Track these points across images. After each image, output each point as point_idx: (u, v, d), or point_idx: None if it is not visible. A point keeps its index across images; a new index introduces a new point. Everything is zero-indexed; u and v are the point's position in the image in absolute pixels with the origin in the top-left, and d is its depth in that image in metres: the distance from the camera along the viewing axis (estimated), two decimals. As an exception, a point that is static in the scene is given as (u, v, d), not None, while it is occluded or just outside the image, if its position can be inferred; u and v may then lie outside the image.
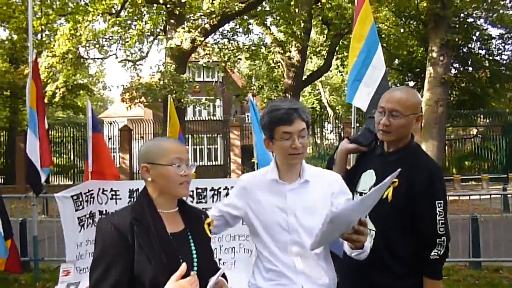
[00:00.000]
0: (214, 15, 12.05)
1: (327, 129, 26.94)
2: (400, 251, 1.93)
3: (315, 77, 20.77)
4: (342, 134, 17.27)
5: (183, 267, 1.42)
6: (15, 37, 16.33)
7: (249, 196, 1.89)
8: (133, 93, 12.28)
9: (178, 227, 1.60)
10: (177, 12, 12.26)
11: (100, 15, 13.19)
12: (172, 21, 12.90)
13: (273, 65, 19.82)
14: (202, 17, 12.86)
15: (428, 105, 12.33)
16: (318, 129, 25.31)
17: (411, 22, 18.95)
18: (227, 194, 4.37)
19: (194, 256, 1.56)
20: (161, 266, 1.43)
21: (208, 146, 26.10)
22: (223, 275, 1.71)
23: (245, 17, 14.54)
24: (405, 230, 1.93)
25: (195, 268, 1.54)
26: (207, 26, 12.49)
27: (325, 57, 18.67)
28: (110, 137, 18.95)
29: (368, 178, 2.06)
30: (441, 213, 1.87)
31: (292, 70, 17.18)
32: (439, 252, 1.86)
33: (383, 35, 19.14)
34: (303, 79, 19.06)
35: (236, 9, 11.73)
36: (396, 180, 1.86)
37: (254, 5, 13.04)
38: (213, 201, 4.49)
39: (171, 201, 1.61)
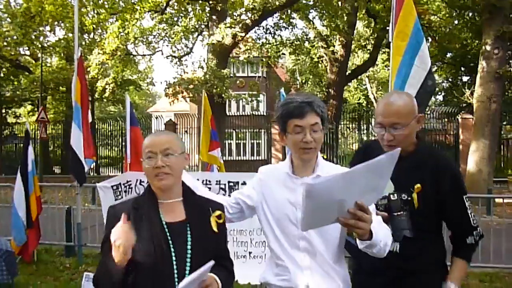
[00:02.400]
0: (255, 11, 12.08)
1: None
2: (430, 255, 1.92)
3: (360, 72, 20.28)
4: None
5: (123, 216, 1.44)
6: (70, 35, 17.32)
7: (264, 188, 1.88)
8: (176, 88, 12.63)
9: (178, 217, 1.63)
10: (219, 8, 12.43)
11: (147, 13, 13.66)
12: (214, 17, 13.10)
13: (316, 60, 19.58)
14: (244, 12, 12.92)
15: (480, 102, 11.60)
16: (365, 125, 24.70)
17: (465, 13, 17.88)
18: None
19: (189, 247, 1.59)
20: (147, 252, 1.50)
21: (251, 141, 26.26)
22: (230, 272, 1.74)
23: (288, 11, 14.45)
24: (435, 233, 1.93)
25: (188, 260, 1.57)
26: (248, 21, 12.55)
27: (371, 51, 18.14)
28: (155, 131, 19.65)
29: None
30: (470, 207, 1.90)
31: (335, 65, 16.88)
32: (475, 238, 1.91)
33: (435, 28, 18.27)
34: (347, 74, 18.67)
35: (277, 3, 11.68)
36: (419, 185, 1.84)
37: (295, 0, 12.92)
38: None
39: (167, 192, 1.64)
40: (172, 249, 1.56)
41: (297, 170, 1.83)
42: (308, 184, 1.35)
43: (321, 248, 1.74)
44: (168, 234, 1.58)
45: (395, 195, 1.86)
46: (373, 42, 17.86)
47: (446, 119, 18.31)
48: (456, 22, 18.60)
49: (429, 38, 19.44)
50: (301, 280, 1.75)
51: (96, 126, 21.32)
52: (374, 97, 32.34)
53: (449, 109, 18.74)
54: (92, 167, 20.91)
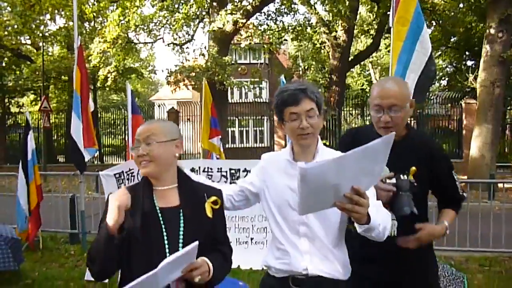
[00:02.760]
0: (256, -4, 11.96)
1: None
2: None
3: (363, 57, 20.08)
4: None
5: (122, 189, 1.59)
6: (70, 24, 17.23)
7: (266, 174, 1.92)
8: (177, 76, 12.60)
9: (171, 203, 1.67)
10: (220, -5, 12.31)
11: (147, 0, 13.54)
12: (215, 3, 12.98)
13: (318, 45, 19.38)
14: (244, -1, 12.80)
15: (483, 86, 11.51)
16: (368, 111, 24.59)
17: (469, -5, 17.61)
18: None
19: (181, 232, 1.62)
20: (141, 236, 1.56)
21: (254, 128, 26.25)
22: (227, 258, 1.75)
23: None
24: (424, 214, 2.05)
25: (181, 245, 1.60)
26: (249, 7, 12.43)
27: (373, 36, 17.94)
28: (158, 119, 19.68)
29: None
30: (457, 179, 2.13)
31: (338, 51, 16.72)
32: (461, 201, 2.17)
33: (438, 11, 18.02)
34: (350, 59, 18.51)
35: (278, -11, 11.52)
36: (414, 168, 1.92)
37: (297, -16, 12.75)
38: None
39: (160, 179, 1.68)
40: (165, 234, 1.59)
41: (298, 156, 1.85)
42: (302, 168, 1.36)
43: (321, 233, 1.77)
44: (161, 218, 1.62)
45: (405, 175, 1.94)
46: (376, 27, 17.64)
47: (449, 104, 18.20)
48: (460, 5, 18.30)
49: (433, 22, 19.20)
50: (300, 264, 1.78)
51: (99, 115, 21.37)
52: (378, 83, 32.03)
53: (452, 94, 18.61)
54: (96, 155, 21.12)
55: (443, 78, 25.96)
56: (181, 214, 1.66)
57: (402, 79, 2.16)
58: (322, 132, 16.88)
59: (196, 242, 1.49)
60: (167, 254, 1.56)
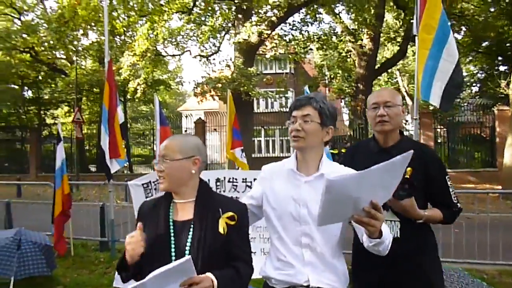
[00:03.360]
0: (280, 8, 12.07)
1: (407, 120, 25.54)
2: (422, 237, 2.15)
3: (390, 65, 19.78)
4: (419, 125, 16.32)
5: (139, 225, 1.67)
6: (102, 38, 17.92)
7: (267, 185, 1.93)
8: (204, 88, 12.84)
9: (186, 216, 1.72)
10: (245, 7, 12.50)
11: (175, 14, 13.91)
12: (240, 16, 13.19)
13: (344, 54, 19.28)
14: (269, 10, 12.94)
15: (517, 93, 11.13)
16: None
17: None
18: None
19: (188, 244, 1.66)
20: (150, 245, 1.65)
21: (280, 138, 26.27)
22: (240, 274, 1.70)
23: (314, 6, 14.33)
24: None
25: (187, 256, 1.60)
26: (274, 18, 12.56)
27: (400, 43, 17.68)
28: (186, 129, 20.02)
29: None
30: (451, 186, 2.18)
31: (364, 59, 16.60)
32: (455, 210, 2.18)
33: (468, 16, 17.59)
34: (376, 67, 18.29)
35: (302, 0, 11.61)
36: (410, 168, 1.94)
37: (320, -5, 12.81)
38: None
39: (179, 193, 1.75)
40: (173, 246, 1.66)
41: (301, 167, 1.87)
42: (329, 179, 1.40)
43: (322, 245, 1.79)
44: (172, 230, 1.68)
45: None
46: (402, 34, 17.39)
47: (481, 111, 17.63)
48: (491, 9, 17.79)
49: (462, 27, 18.75)
50: (301, 275, 1.79)
51: (129, 125, 22.00)
52: (406, 91, 31.50)
53: (484, 101, 18.03)
54: (125, 165, 21.69)
55: (474, 84, 25.21)
56: (192, 227, 1.69)
57: (395, 90, 2.29)
58: (349, 141, 16.71)
59: (188, 257, 1.50)
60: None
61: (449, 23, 3.60)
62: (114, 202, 6.41)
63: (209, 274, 1.58)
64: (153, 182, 4.94)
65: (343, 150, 15.43)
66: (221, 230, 1.69)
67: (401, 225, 2.08)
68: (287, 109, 1.96)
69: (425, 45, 3.53)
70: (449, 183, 2.16)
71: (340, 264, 1.85)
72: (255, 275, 1.84)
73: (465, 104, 18.32)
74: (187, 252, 1.65)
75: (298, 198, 1.83)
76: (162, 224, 1.69)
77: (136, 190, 4.91)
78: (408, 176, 1.96)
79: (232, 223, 1.72)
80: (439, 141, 17.73)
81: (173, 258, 1.63)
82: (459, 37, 20.62)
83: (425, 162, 2.11)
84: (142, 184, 4.88)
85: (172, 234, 1.68)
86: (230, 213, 1.73)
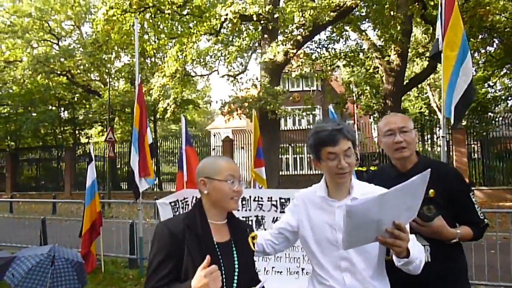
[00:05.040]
0: (305, 27, 12.21)
1: (438, 135, 24.89)
2: (452, 260, 2.09)
3: (419, 80, 19.44)
4: (452, 141, 15.84)
5: (208, 258, 1.53)
6: (133, 61, 18.63)
7: (301, 212, 1.96)
8: (231, 107, 13.05)
9: (224, 237, 1.76)
10: (270, 27, 12.72)
11: (203, 35, 14.33)
12: (266, 35, 13.41)
13: (372, 71, 19.15)
14: (295, 29, 13.11)
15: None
16: (428, 135, 23.51)
17: (533, 11, 16.63)
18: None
19: (236, 265, 1.70)
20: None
21: (308, 155, 26.11)
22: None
23: (340, 24, 14.40)
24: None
25: (236, 277, 1.68)
26: (299, 37, 12.69)
27: (431, 58, 17.38)
28: (214, 147, 20.28)
29: None
30: (476, 202, 2.13)
31: (391, 75, 16.40)
32: (482, 226, 2.13)
33: (500, 29, 17.15)
34: (406, 83, 18.02)
35: (327, 19, 11.70)
36: (432, 190, 1.96)
37: (345, 13, 12.86)
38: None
39: (221, 213, 1.78)
40: (223, 267, 1.65)
41: (332, 193, 1.90)
42: (348, 205, 1.46)
43: (361, 267, 1.79)
44: (219, 253, 1.68)
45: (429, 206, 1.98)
46: (430, 48, 17.13)
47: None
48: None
49: (494, 40, 18.28)
50: None
51: (158, 144, 22.49)
52: (437, 105, 30.76)
53: (521, 115, 17.34)
54: (155, 183, 22.11)
55: (509, 98, 24.35)
56: (234, 248, 1.74)
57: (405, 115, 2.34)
58: (377, 158, 16.43)
59: (265, 279, 1.67)
60: (224, 287, 1.63)
61: (467, 43, 3.59)
62: (143, 219, 6.56)
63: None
64: (181, 200, 5.06)
65: (371, 168, 15.19)
66: (252, 248, 1.80)
67: (431, 249, 2.05)
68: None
69: (449, 62, 3.52)
70: (473, 199, 2.12)
71: (381, 285, 1.85)
72: None
73: (500, 118, 17.66)
74: (236, 272, 1.69)
75: (333, 223, 1.85)
76: (210, 247, 1.66)
77: (164, 208, 5.03)
78: (432, 196, 1.94)
79: (255, 241, 1.82)
80: (473, 157, 17.14)
81: (224, 279, 1.64)
82: (492, 49, 20.12)
83: (446, 180, 2.07)
84: (170, 203, 5.00)
85: (220, 257, 1.68)
86: (254, 233, 1.83)
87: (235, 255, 1.72)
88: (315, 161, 1.90)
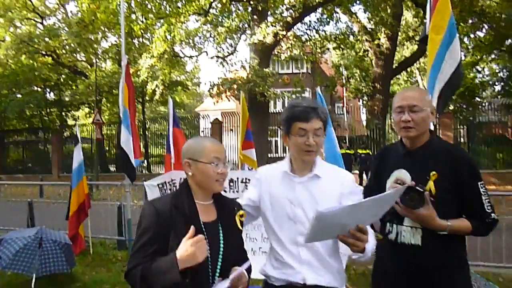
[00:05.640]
0: (295, 8, 12.08)
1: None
2: (450, 249, 1.96)
3: (408, 64, 19.56)
4: (439, 125, 16.01)
5: (192, 229, 1.56)
6: (121, 41, 18.24)
7: (263, 187, 1.99)
8: (220, 89, 12.96)
9: (211, 217, 1.76)
10: (260, 8, 12.56)
11: (191, 15, 14.07)
12: (255, 16, 13.25)
13: (361, 54, 19.13)
14: (285, 10, 12.96)
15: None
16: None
17: (524, -4, 16.63)
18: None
19: (221, 245, 1.72)
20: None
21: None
22: (249, 267, 1.84)
23: (330, 6, 14.27)
24: (450, 218, 1.94)
25: (221, 256, 1.70)
26: (289, 19, 12.57)
27: (420, 42, 17.40)
28: (202, 130, 20.21)
29: (400, 177, 2.01)
30: (484, 193, 1.95)
31: (381, 58, 16.45)
32: (488, 221, 1.96)
33: (489, 14, 17.20)
34: (395, 67, 18.08)
35: (317, 0, 11.58)
36: (435, 172, 1.90)
37: (336, -5, 12.76)
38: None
39: (207, 194, 1.78)
40: (207, 247, 1.65)
41: (296, 169, 1.94)
42: (319, 211, 1.51)
43: (318, 244, 1.84)
44: (205, 232, 1.68)
45: (423, 187, 1.89)
46: (421, 32, 17.13)
47: (504, 111, 17.20)
48: (514, 6, 17.33)
49: (484, 25, 18.34)
50: (298, 274, 1.86)
51: (147, 126, 22.32)
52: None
53: (507, 100, 17.59)
54: (144, 165, 22.03)
55: (496, 83, 24.61)
56: (220, 228, 1.75)
57: (423, 89, 2.14)
58: (366, 141, 16.58)
59: (249, 262, 1.68)
60: (209, 264, 1.66)
61: (455, 26, 3.57)
62: (131, 201, 6.55)
63: (244, 272, 1.70)
64: (168, 182, 5.05)
65: (359, 151, 15.34)
66: (239, 226, 1.80)
67: (423, 233, 1.94)
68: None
69: (435, 46, 3.51)
70: (482, 190, 1.95)
71: (336, 263, 1.91)
72: (255, 274, 1.90)
73: (487, 103, 17.89)
74: (221, 251, 1.71)
75: (293, 198, 1.90)
76: (195, 226, 1.63)
77: (152, 190, 5.03)
78: (433, 178, 1.89)
79: (242, 219, 1.83)
80: (459, 141, 17.40)
81: (209, 258, 1.66)
82: (481, 35, 20.22)
83: (454, 166, 1.94)
84: (158, 185, 4.99)
85: (205, 236, 1.66)
86: (242, 211, 1.84)
87: (221, 235, 1.73)
88: (285, 135, 1.92)
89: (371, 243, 1.73)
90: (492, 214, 1.95)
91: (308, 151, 1.86)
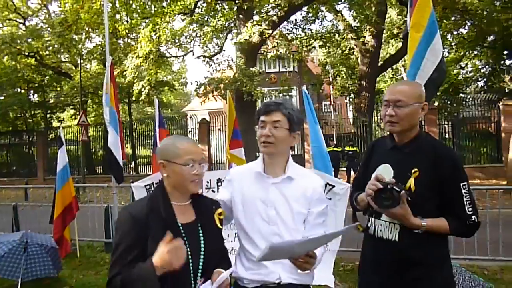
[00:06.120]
0: (281, 7, 12.10)
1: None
2: (431, 244, 1.93)
3: (394, 61, 19.74)
4: (424, 121, 16.20)
5: (169, 234, 1.53)
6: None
7: (234, 188, 1.99)
8: (206, 88, 12.91)
9: (189, 218, 1.75)
10: (246, 7, 12.54)
11: (177, 15, 13.97)
12: (241, 16, 13.23)
13: (347, 52, 19.25)
14: (270, 9, 12.98)
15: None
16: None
17: (505, -7, 16.96)
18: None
19: (202, 245, 1.71)
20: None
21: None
22: (230, 262, 1.87)
23: (316, 4, 14.33)
24: (429, 216, 1.92)
25: (202, 257, 1.69)
26: (275, 18, 12.59)
27: (403, 39, 17.60)
28: (190, 130, 20.11)
29: (383, 172, 2.01)
30: (466, 194, 1.92)
31: (366, 56, 16.58)
32: (469, 223, 1.93)
33: (471, 11, 17.47)
34: (380, 64, 18.24)
35: (302, -1, 11.63)
36: (416, 169, 1.89)
37: (321, -7, 12.81)
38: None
39: (184, 195, 1.76)
40: (188, 248, 1.64)
41: (268, 169, 1.94)
42: (271, 244, 1.58)
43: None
44: (183, 234, 1.67)
45: (403, 185, 1.87)
46: (405, 30, 17.31)
47: (487, 107, 17.50)
48: (496, 3, 17.63)
49: (466, 22, 18.62)
50: (273, 274, 1.86)
51: (134, 127, 22.11)
52: (411, 87, 31.18)
53: (490, 96, 17.89)
54: (132, 166, 21.81)
55: (479, 79, 25.03)
56: (200, 228, 1.74)
57: (418, 83, 2.16)
58: (353, 139, 16.70)
59: (233, 267, 1.74)
60: (190, 266, 1.65)
61: (437, 24, 3.60)
62: (119, 203, 6.49)
63: (227, 274, 1.70)
64: (155, 183, 5.02)
65: (346, 148, 15.45)
66: (219, 225, 1.79)
67: (400, 228, 1.93)
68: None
69: (414, 44, 3.53)
70: (464, 190, 1.91)
71: None
72: None
73: (470, 99, 18.17)
74: (202, 251, 1.70)
75: (266, 199, 1.90)
76: (174, 229, 1.63)
77: (139, 191, 4.98)
78: (414, 176, 1.87)
79: (221, 217, 1.81)
80: (444, 137, 17.65)
81: (190, 259, 1.65)
82: (464, 31, 20.52)
83: (437, 163, 1.92)
84: (145, 186, 4.95)
85: (184, 238, 1.65)
86: (220, 210, 1.83)
87: (200, 235, 1.72)
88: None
89: (318, 259, 1.80)
90: (473, 217, 1.92)
91: (264, 143, 1.87)
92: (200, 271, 1.68)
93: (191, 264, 1.66)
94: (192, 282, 1.66)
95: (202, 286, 1.65)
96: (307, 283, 1.93)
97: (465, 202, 1.91)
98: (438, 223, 1.91)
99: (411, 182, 1.89)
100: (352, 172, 14.36)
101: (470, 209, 1.92)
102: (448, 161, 1.94)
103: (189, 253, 1.65)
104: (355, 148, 15.20)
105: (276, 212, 1.88)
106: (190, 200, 1.79)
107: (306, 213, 1.90)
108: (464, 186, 1.92)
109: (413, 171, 1.89)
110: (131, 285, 1.56)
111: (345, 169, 14.81)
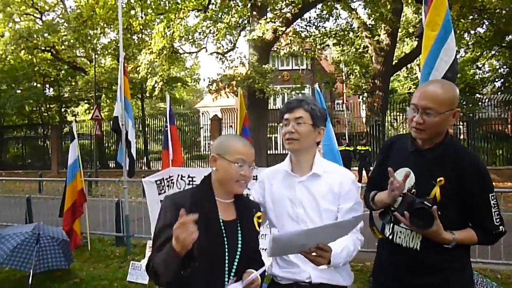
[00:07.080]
0: (295, 4, 12.01)
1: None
2: (453, 253, 1.85)
3: (408, 60, 19.49)
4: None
5: (182, 211, 1.46)
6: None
7: (265, 188, 2.01)
8: (218, 85, 12.92)
9: (231, 216, 1.76)
10: (259, 4, 12.48)
11: (191, 11, 13.99)
12: (254, 12, 13.18)
13: (361, 50, 19.06)
14: (284, 6, 12.90)
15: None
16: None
17: (524, -8, 16.56)
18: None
19: (239, 244, 1.72)
20: (204, 246, 1.59)
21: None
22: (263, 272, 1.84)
23: (330, 2, 14.19)
24: (456, 226, 1.84)
25: (238, 256, 1.70)
26: (288, 15, 12.51)
27: (418, 38, 17.34)
28: (202, 126, 20.17)
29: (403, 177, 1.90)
30: (495, 205, 1.83)
31: (381, 55, 16.39)
32: (495, 233, 1.86)
33: (490, 10, 17.13)
34: (395, 63, 18.02)
35: (317, -4, 11.52)
36: (442, 178, 1.80)
37: (336, -10, 12.68)
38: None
39: (228, 193, 1.77)
40: (226, 245, 1.68)
41: (296, 168, 1.94)
42: (274, 235, 1.54)
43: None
44: (224, 231, 1.69)
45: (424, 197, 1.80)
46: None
47: (504, 107, 17.14)
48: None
49: (484, 21, 18.27)
50: (304, 273, 1.86)
51: (147, 122, 22.26)
52: (426, 86, 30.66)
53: (507, 97, 17.52)
54: (143, 161, 21.97)
55: (496, 80, 24.54)
56: (239, 227, 1.75)
57: (451, 84, 1.91)
58: (365, 138, 16.55)
59: (265, 267, 1.75)
60: (226, 264, 1.67)
61: (451, 22, 3.53)
62: (130, 198, 6.54)
63: (258, 276, 1.69)
64: (166, 179, 5.05)
65: (359, 147, 15.32)
66: (257, 228, 1.80)
67: (423, 238, 1.85)
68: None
69: (429, 43, 3.47)
70: (492, 202, 1.81)
71: None
72: None
73: (487, 100, 17.83)
74: (238, 250, 1.70)
75: (293, 198, 1.90)
76: (215, 225, 1.68)
77: (150, 187, 5.03)
78: (440, 185, 1.78)
79: (260, 221, 1.83)
80: (459, 138, 17.38)
81: (226, 257, 1.67)
82: (482, 31, 20.14)
83: (461, 173, 1.80)
84: (156, 181, 5.00)
85: (224, 235, 1.69)
86: (260, 213, 1.84)
87: (239, 235, 1.73)
88: None
89: (344, 255, 1.77)
90: (501, 227, 1.85)
91: (288, 140, 1.87)
92: (234, 269, 1.70)
93: (226, 262, 1.68)
94: (226, 279, 1.67)
95: (231, 286, 1.65)
96: (340, 284, 1.88)
97: (493, 213, 1.83)
98: (466, 233, 1.84)
99: (436, 191, 1.80)
100: (364, 172, 14.23)
101: (498, 220, 1.84)
102: (474, 172, 1.82)
103: (226, 250, 1.67)
104: (367, 147, 15.06)
105: (304, 210, 1.88)
106: (233, 199, 1.80)
107: (336, 210, 1.87)
108: (492, 197, 1.83)
109: (438, 179, 1.80)
110: (158, 266, 1.59)
111: (356, 168, 14.70)
